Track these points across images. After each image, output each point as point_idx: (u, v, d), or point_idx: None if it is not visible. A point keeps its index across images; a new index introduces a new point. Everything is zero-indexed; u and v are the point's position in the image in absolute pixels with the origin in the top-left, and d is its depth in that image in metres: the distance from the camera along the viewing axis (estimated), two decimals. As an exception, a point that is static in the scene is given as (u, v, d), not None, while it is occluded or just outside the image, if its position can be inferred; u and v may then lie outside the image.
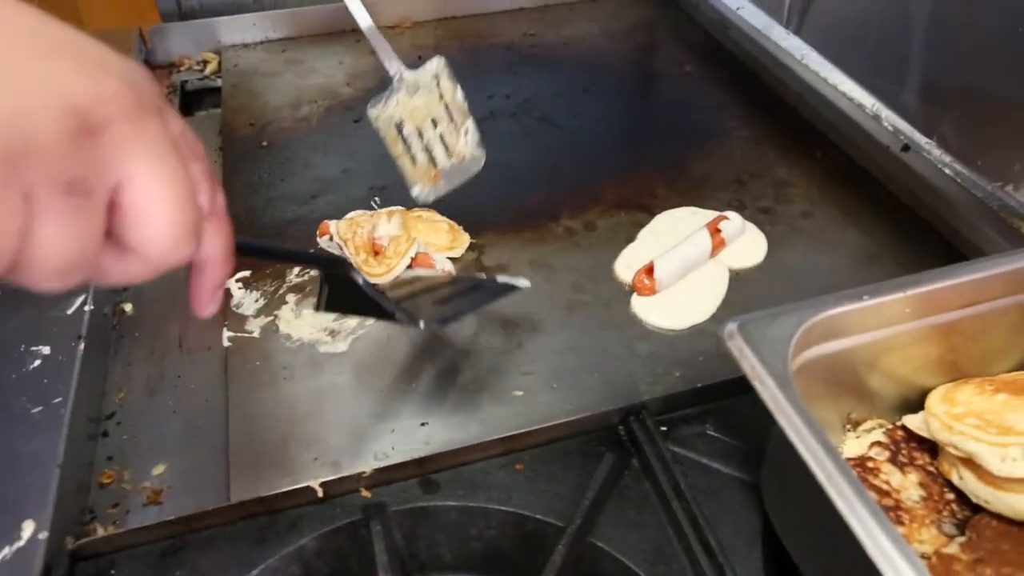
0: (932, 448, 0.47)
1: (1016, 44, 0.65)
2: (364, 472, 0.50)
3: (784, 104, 0.92)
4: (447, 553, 0.50)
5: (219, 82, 0.98)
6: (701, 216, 0.73)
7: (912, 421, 0.47)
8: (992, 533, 0.41)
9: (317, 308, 0.49)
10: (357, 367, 0.60)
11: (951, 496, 0.44)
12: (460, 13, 1.12)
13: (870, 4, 0.82)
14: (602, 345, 0.62)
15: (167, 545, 0.48)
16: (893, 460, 0.46)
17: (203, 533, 0.48)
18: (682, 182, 0.80)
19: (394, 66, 0.67)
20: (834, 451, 0.35)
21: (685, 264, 0.67)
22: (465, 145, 0.68)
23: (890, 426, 0.48)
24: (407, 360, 0.61)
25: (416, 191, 0.68)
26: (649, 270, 0.66)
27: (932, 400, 0.46)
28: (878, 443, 0.47)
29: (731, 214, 0.72)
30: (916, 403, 0.48)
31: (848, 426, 0.48)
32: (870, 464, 0.45)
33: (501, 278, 0.61)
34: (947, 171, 0.74)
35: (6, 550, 0.45)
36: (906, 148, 0.77)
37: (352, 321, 0.64)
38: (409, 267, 0.65)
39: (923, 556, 0.41)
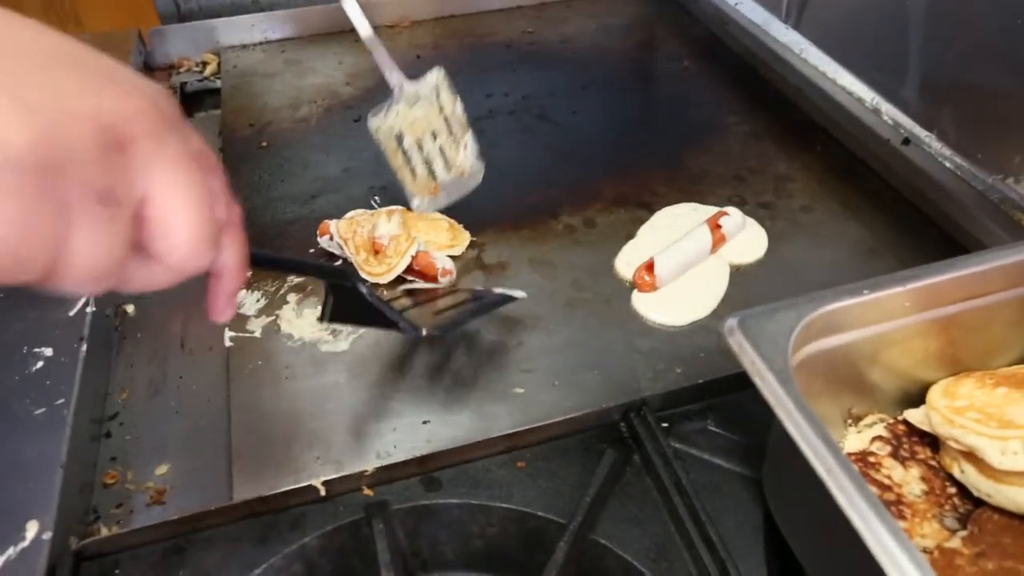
0: (933, 442, 0.47)
1: (1016, 38, 0.65)
2: (366, 471, 0.50)
3: (783, 99, 0.92)
4: (449, 551, 0.50)
5: (218, 83, 0.98)
6: (701, 212, 0.73)
7: (913, 415, 0.47)
8: (994, 527, 0.41)
9: (321, 319, 0.49)
10: (358, 366, 0.61)
11: (953, 490, 0.44)
12: (458, 11, 1.12)
13: (869, -2, 0.82)
14: (603, 342, 0.62)
15: (170, 545, 0.48)
16: (894, 454, 0.46)
17: (206, 532, 0.48)
18: (682, 178, 0.80)
19: (394, 77, 0.67)
20: (835, 446, 0.35)
21: (685, 260, 0.67)
22: (464, 159, 0.68)
23: (891, 420, 0.48)
24: (408, 358, 0.61)
25: (416, 203, 0.68)
26: (649, 267, 0.66)
27: (933, 394, 0.46)
28: (879, 438, 0.47)
29: (731, 209, 0.72)
30: (917, 397, 0.48)
31: (849, 421, 0.48)
32: (871, 459, 0.45)
33: (498, 290, 0.62)
34: (947, 164, 0.74)
35: (10, 550, 0.46)
36: (906, 142, 0.77)
37: (353, 320, 0.64)
38: (410, 266, 0.65)
39: (925, 550, 0.41)
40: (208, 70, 1.01)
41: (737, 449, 0.52)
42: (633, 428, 0.53)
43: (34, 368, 0.57)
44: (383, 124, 0.66)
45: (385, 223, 0.69)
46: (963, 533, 0.42)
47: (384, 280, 0.65)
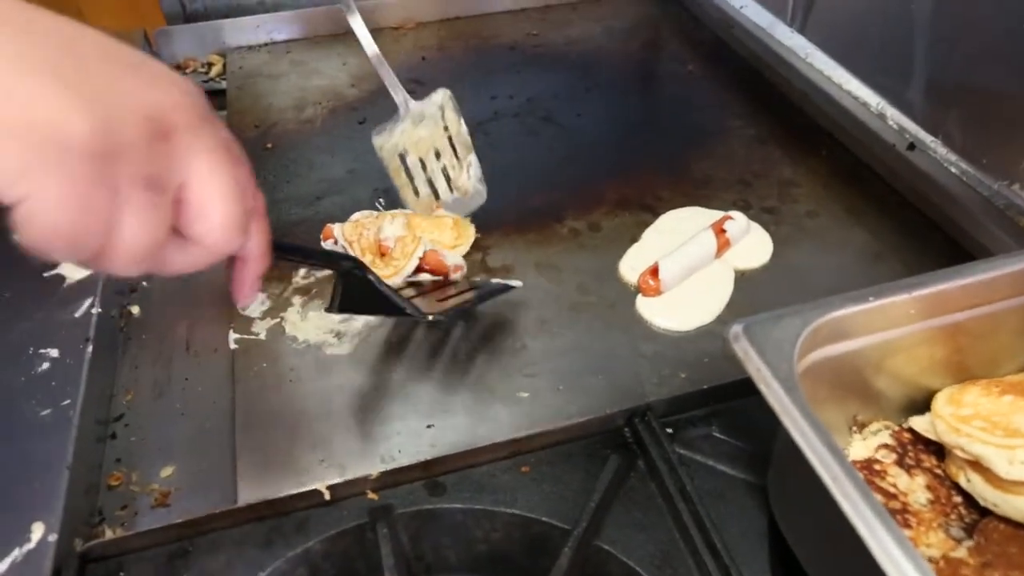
0: (939, 450, 0.47)
1: (1022, 42, 0.64)
2: (371, 475, 0.50)
3: (788, 103, 0.92)
4: (453, 555, 0.50)
5: (224, 84, 0.98)
6: (706, 216, 0.73)
7: (919, 423, 0.47)
8: (1000, 537, 0.41)
9: (329, 309, 0.50)
10: (363, 369, 0.61)
11: (958, 499, 0.44)
12: (463, 14, 1.12)
13: (874, 2, 0.81)
14: (607, 346, 0.62)
15: (175, 548, 0.48)
16: (900, 462, 0.46)
17: (211, 536, 0.48)
18: (686, 182, 0.80)
19: (400, 95, 0.67)
20: (840, 454, 0.35)
21: (690, 265, 0.67)
22: (467, 180, 0.69)
23: (896, 428, 0.48)
24: (412, 362, 0.61)
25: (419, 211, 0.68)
26: (654, 271, 0.66)
27: (938, 402, 0.46)
28: (884, 445, 0.47)
29: (736, 214, 0.72)
30: (922, 404, 0.48)
31: (854, 428, 0.48)
32: (876, 466, 0.45)
33: (496, 280, 0.63)
34: (953, 170, 0.73)
35: (16, 552, 0.46)
36: (912, 147, 0.77)
37: (358, 323, 0.64)
38: (419, 267, 0.66)
39: (930, 560, 0.41)
40: (214, 71, 1.01)
41: (742, 455, 0.52)
42: (637, 434, 0.53)
43: (40, 369, 0.57)
44: (387, 142, 0.67)
45: (390, 225, 0.69)
46: (969, 543, 0.41)
47: (392, 283, 0.65)
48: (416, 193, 0.69)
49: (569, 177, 0.81)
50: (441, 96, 0.68)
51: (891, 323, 0.44)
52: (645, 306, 0.65)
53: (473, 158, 0.69)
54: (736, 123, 0.89)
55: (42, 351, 0.58)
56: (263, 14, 1.06)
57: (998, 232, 0.67)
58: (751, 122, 0.89)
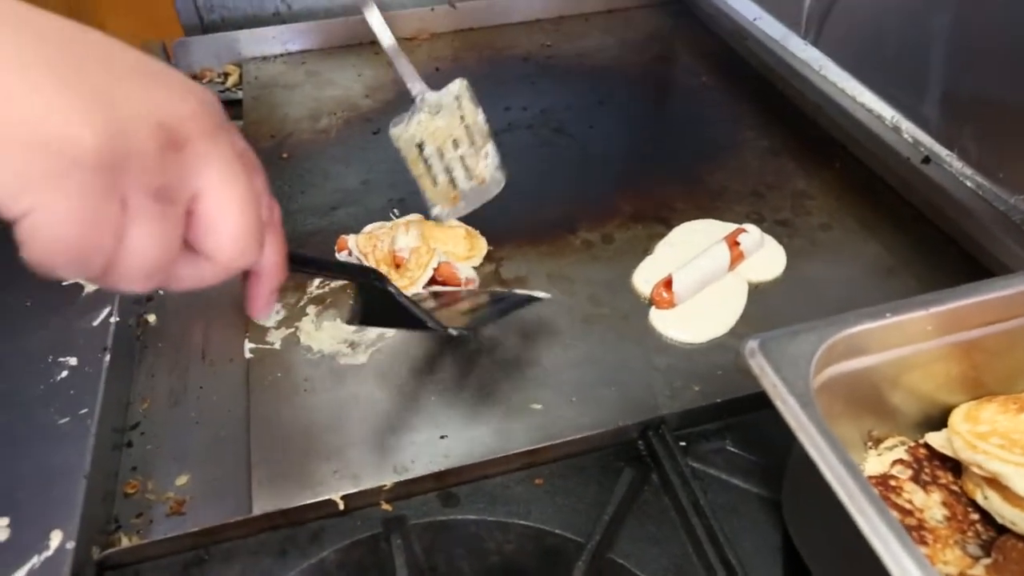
0: (955, 466, 0.46)
1: (1039, 57, 0.64)
2: (385, 485, 0.50)
3: (802, 115, 0.92)
4: (466, 567, 0.50)
5: (240, 94, 0.99)
6: (719, 229, 0.73)
7: (935, 439, 0.47)
8: (1018, 555, 0.40)
9: (350, 321, 0.49)
10: (377, 379, 0.61)
11: (975, 516, 0.44)
12: (477, 24, 1.13)
13: (889, 15, 0.81)
14: (620, 358, 0.62)
15: (191, 556, 0.48)
16: (916, 478, 0.46)
17: (226, 545, 0.49)
18: (699, 194, 0.80)
19: (416, 86, 0.67)
20: (857, 471, 0.35)
21: (703, 277, 0.67)
22: (485, 168, 0.69)
23: (912, 444, 0.48)
24: (426, 372, 0.61)
25: (436, 212, 0.68)
26: (667, 283, 0.66)
27: (955, 418, 0.46)
28: (900, 461, 0.46)
29: (749, 227, 0.72)
30: (938, 421, 0.48)
31: (869, 443, 0.48)
32: (892, 482, 0.45)
33: (520, 291, 0.62)
34: (968, 183, 0.73)
35: (35, 559, 0.46)
36: (926, 160, 0.77)
37: (372, 333, 0.64)
38: (432, 278, 0.66)
39: (947, 577, 0.41)
40: (230, 81, 1.02)
41: (755, 470, 0.52)
42: (651, 447, 0.53)
43: (59, 377, 0.58)
44: (404, 133, 0.67)
45: (404, 236, 0.69)
46: (987, 561, 0.41)
47: (407, 294, 0.66)
48: (434, 182, 0.69)
49: (582, 189, 0.82)
50: (458, 86, 0.68)
51: (908, 339, 0.44)
52: (658, 318, 0.65)
53: (491, 146, 0.69)
54: (749, 135, 0.90)
55: (61, 359, 0.59)
56: (279, 25, 1.07)
57: (1014, 247, 0.67)
58: (764, 134, 0.89)
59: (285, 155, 0.87)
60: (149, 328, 0.67)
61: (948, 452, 0.46)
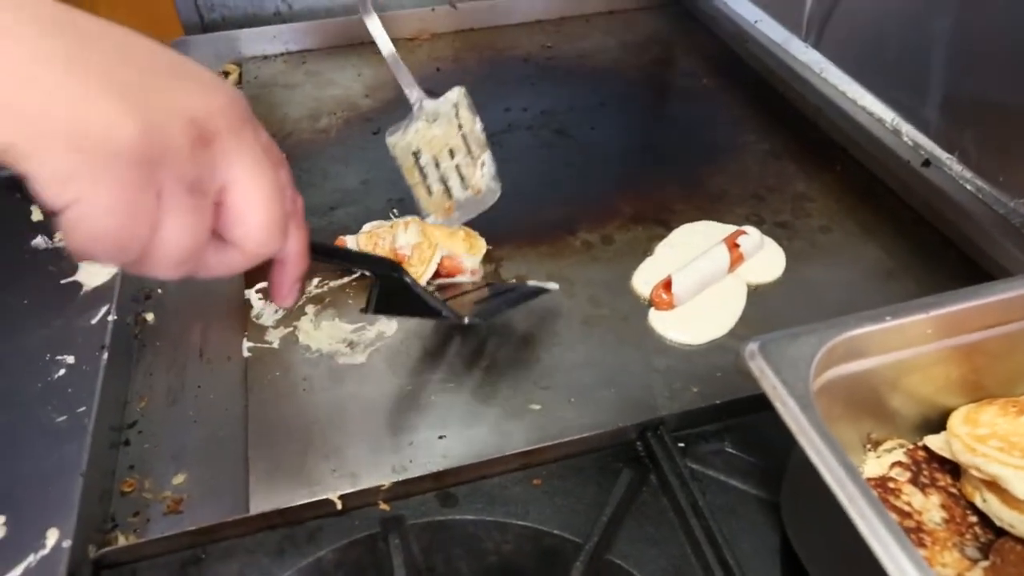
0: (954, 469, 0.46)
1: (1039, 61, 0.64)
2: (383, 485, 0.50)
3: (803, 118, 0.92)
4: (464, 567, 0.50)
5: (240, 91, 0.99)
6: (719, 230, 0.73)
7: (934, 442, 0.47)
8: (1016, 558, 0.40)
9: (365, 310, 0.50)
10: (375, 379, 0.61)
11: (974, 519, 0.44)
12: (478, 25, 1.13)
13: (890, 18, 0.82)
14: (620, 360, 0.62)
15: (188, 555, 0.48)
16: (914, 481, 0.45)
17: (223, 544, 0.48)
18: (700, 196, 0.80)
19: (414, 94, 0.68)
20: (857, 474, 0.35)
21: (703, 279, 0.67)
22: (481, 178, 0.69)
23: (911, 446, 0.48)
24: (425, 373, 0.61)
25: (430, 221, 0.68)
26: (667, 284, 0.66)
27: (954, 421, 0.46)
28: (899, 463, 0.46)
29: (749, 229, 0.72)
30: (937, 423, 0.48)
31: (868, 446, 0.48)
32: (891, 485, 0.45)
33: (531, 282, 0.64)
34: (968, 187, 0.73)
35: (31, 558, 0.46)
36: (927, 163, 0.77)
37: (371, 333, 0.64)
38: (437, 272, 0.66)
39: (945, 579, 0.41)
40: (230, 80, 1.02)
41: (754, 471, 0.52)
42: (650, 448, 0.53)
43: (56, 375, 0.57)
44: (401, 141, 0.67)
45: (404, 234, 0.69)
46: (985, 563, 0.41)
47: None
48: (429, 192, 0.69)
49: (582, 190, 0.82)
50: (456, 94, 0.68)
51: (908, 342, 0.44)
52: (658, 320, 0.65)
53: (487, 156, 0.69)
54: (750, 138, 0.90)
55: (59, 358, 0.59)
56: (279, 24, 1.07)
57: (1014, 251, 0.67)
58: (765, 137, 0.89)
59: (285, 155, 0.87)
60: (147, 327, 0.67)
61: (947, 455, 0.45)
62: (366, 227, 0.74)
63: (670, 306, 0.66)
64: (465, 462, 0.52)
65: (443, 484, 0.51)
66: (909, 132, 0.80)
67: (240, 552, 0.48)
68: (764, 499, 0.50)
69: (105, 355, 0.59)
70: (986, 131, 0.72)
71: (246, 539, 0.49)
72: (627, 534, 0.49)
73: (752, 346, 0.41)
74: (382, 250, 0.68)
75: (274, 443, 0.56)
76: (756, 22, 1.03)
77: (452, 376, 0.61)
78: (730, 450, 0.53)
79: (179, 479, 0.55)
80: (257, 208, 0.33)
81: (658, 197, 0.80)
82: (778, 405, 0.38)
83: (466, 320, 0.53)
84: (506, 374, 0.61)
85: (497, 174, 0.70)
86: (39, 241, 0.68)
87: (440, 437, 0.56)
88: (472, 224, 0.72)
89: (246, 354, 0.63)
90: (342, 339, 0.64)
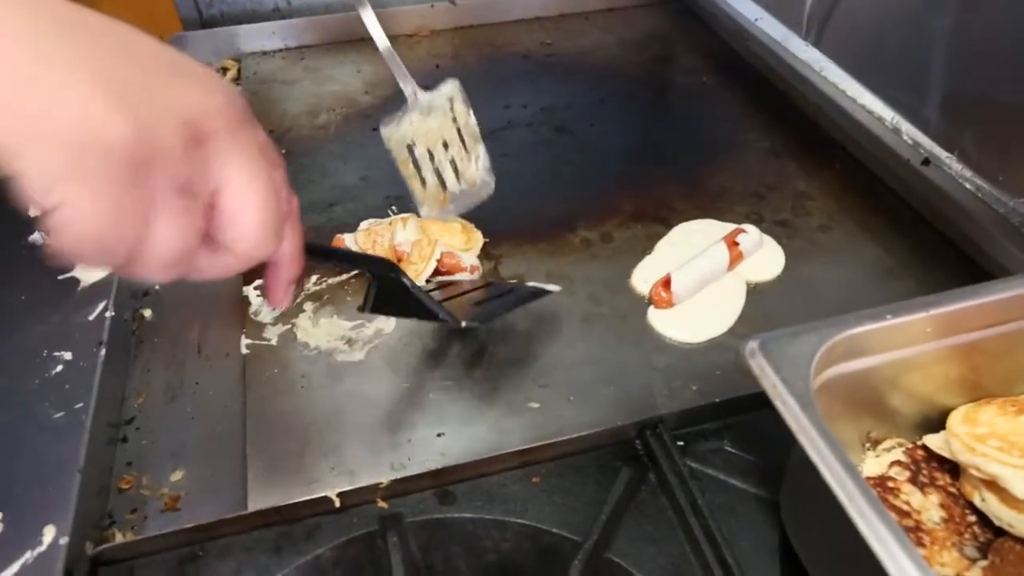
0: (953, 468, 0.46)
1: (1040, 60, 0.64)
2: (381, 483, 0.50)
3: (803, 116, 0.92)
4: (463, 565, 0.50)
5: (238, 90, 0.99)
6: (718, 229, 0.73)
7: (933, 441, 0.47)
8: (1015, 557, 0.40)
9: (361, 309, 0.50)
10: (374, 376, 0.61)
11: (973, 518, 0.44)
12: (477, 22, 1.13)
13: (890, 17, 0.81)
14: (619, 358, 0.62)
15: (185, 552, 0.48)
16: (913, 480, 0.45)
17: (220, 541, 0.48)
18: (699, 194, 0.80)
19: (409, 87, 0.67)
20: (856, 473, 0.35)
21: (702, 277, 0.67)
22: (476, 171, 0.69)
23: (910, 445, 0.48)
24: (424, 370, 0.61)
25: (424, 213, 0.68)
26: (666, 283, 0.66)
27: (953, 420, 0.46)
28: (898, 462, 0.46)
29: (749, 227, 0.71)
30: (937, 422, 0.48)
31: (867, 444, 0.48)
32: (890, 484, 0.45)
33: (532, 284, 0.63)
34: (968, 186, 0.73)
35: (28, 555, 0.46)
36: (926, 162, 0.77)
37: (369, 330, 0.64)
38: (436, 269, 0.66)
39: (944, 579, 0.41)
40: (228, 76, 1.02)
41: (753, 470, 0.52)
42: (649, 446, 0.52)
43: (54, 372, 0.57)
44: (395, 133, 0.67)
45: (402, 231, 0.69)
46: (983, 563, 0.41)
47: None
48: (423, 184, 0.69)
49: (582, 187, 0.82)
50: (450, 87, 0.68)
51: (907, 341, 0.44)
52: (657, 318, 0.65)
53: (482, 149, 0.69)
54: (750, 136, 0.89)
55: (56, 354, 0.59)
56: (278, 20, 1.07)
57: (1013, 250, 0.67)
58: (765, 135, 0.89)
59: (283, 151, 0.87)
60: (145, 323, 0.67)
61: (946, 454, 0.45)
62: (363, 225, 0.74)
63: (669, 304, 0.65)
64: (464, 460, 0.52)
65: (442, 482, 0.51)
66: (909, 131, 0.80)
67: (238, 550, 0.48)
68: (763, 498, 0.50)
69: (103, 351, 0.59)
70: (986, 130, 0.72)
71: (244, 536, 0.48)
72: (626, 532, 0.49)
73: (752, 344, 0.41)
74: (381, 247, 0.68)
75: (272, 440, 0.56)
76: (756, 20, 1.03)
77: (451, 374, 0.61)
78: (729, 449, 0.53)
79: (177, 476, 0.55)
80: (251, 210, 0.32)
81: (658, 195, 0.80)
82: (778, 403, 0.38)
83: (463, 324, 0.53)
84: (505, 372, 0.61)
85: (491, 167, 0.69)
86: (36, 237, 0.67)
87: (439, 435, 0.56)
88: (471, 220, 0.72)
89: (244, 351, 0.63)
90: (340, 336, 0.64)
